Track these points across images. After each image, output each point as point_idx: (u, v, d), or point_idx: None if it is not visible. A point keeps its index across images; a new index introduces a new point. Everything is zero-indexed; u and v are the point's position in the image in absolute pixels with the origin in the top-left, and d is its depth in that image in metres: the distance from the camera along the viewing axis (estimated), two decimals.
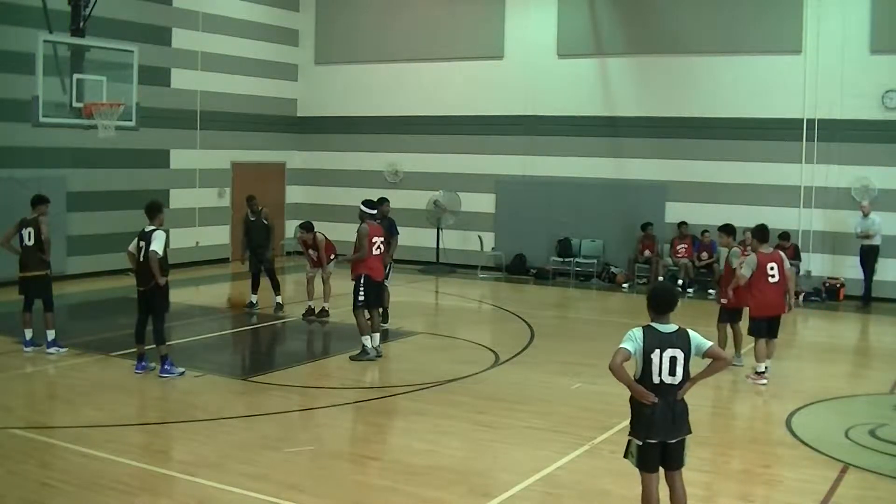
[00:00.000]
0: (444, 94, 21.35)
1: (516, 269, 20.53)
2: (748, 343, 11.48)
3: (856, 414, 9.82)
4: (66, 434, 8.47)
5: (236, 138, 21.41)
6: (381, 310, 12.61)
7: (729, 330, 11.72)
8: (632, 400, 5.93)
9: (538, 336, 13.60)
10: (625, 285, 18.92)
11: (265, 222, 15.20)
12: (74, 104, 15.32)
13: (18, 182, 15.82)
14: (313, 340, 13.93)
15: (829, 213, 17.93)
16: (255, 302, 15.29)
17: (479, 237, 20.97)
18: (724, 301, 11.50)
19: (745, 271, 10.85)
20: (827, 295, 17.46)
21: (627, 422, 6.06)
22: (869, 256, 16.94)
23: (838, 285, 17.52)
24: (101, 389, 10.10)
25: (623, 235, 19.59)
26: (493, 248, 20.99)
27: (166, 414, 9.38)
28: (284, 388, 10.39)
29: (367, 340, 11.72)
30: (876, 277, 17.04)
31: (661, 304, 5.90)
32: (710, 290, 17.73)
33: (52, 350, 11.65)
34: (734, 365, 11.38)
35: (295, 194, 23.31)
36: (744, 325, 11.48)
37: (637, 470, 6.00)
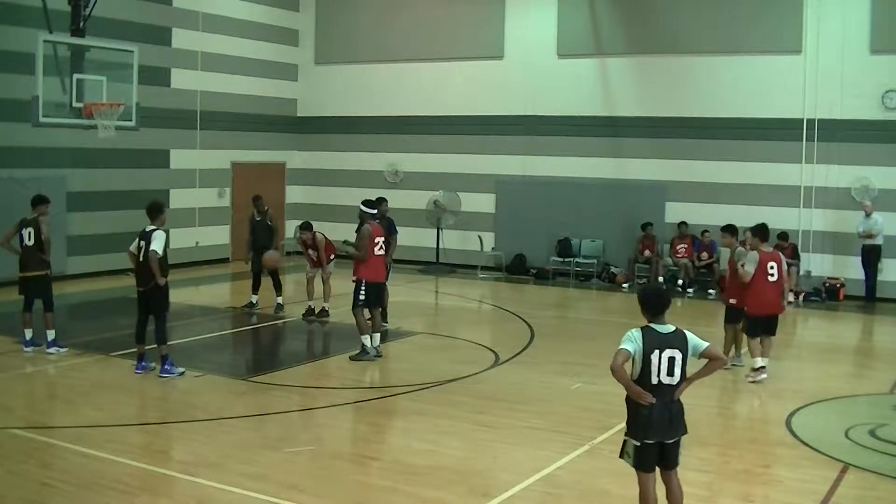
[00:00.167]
0: (444, 94, 21.35)
1: (516, 269, 20.53)
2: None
3: (856, 414, 9.82)
4: (66, 434, 8.47)
5: (236, 138, 21.41)
6: (380, 310, 12.62)
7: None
8: (628, 400, 5.95)
9: (538, 336, 13.60)
10: (625, 285, 18.92)
11: (269, 223, 15.22)
12: (74, 104, 15.32)
13: (18, 182, 15.82)
14: (313, 340, 13.93)
15: (829, 213, 17.93)
16: (255, 302, 15.29)
17: (479, 237, 20.97)
18: (732, 301, 11.41)
19: (748, 267, 10.85)
20: (827, 295, 17.46)
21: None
22: (871, 256, 16.95)
23: (838, 285, 17.52)
24: (101, 389, 10.10)
25: (623, 235, 19.59)
26: (493, 248, 20.99)
27: (166, 414, 9.38)
28: (284, 388, 10.39)
29: (366, 340, 11.71)
30: (879, 278, 17.04)
31: (655, 305, 5.92)
32: (710, 290, 17.74)
33: (52, 350, 11.64)
34: (735, 365, 11.40)
35: (295, 194, 23.31)
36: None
37: (634, 470, 6.02)
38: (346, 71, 22.65)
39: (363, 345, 11.72)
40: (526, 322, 14.70)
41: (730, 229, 11.90)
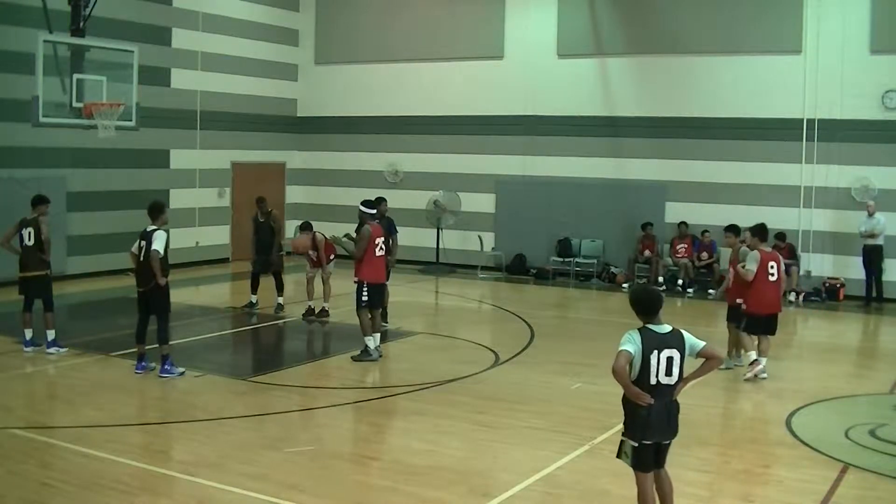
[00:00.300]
0: (444, 94, 21.35)
1: (516, 269, 20.52)
2: None
3: (856, 414, 9.82)
4: (66, 434, 8.47)
5: (236, 138, 21.41)
6: (381, 310, 12.61)
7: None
8: (625, 401, 5.95)
9: (538, 336, 13.60)
10: (625, 285, 18.90)
11: (272, 225, 15.25)
12: (74, 104, 15.31)
13: (18, 182, 15.82)
14: (313, 340, 13.93)
15: (829, 213, 17.93)
16: (255, 301, 15.31)
17: (479, 237, 20.97)
18: (739, 301, 11.31)
19: (750, 266, 10.84)
20: (827, 295, 17.46)
21: None
22: (872, 256, 16.93)
23: (838, 285, 17.52)
24: (101, 389, 10.10)
25: (623, 235, 19.59)
26: (493, 248, 20.99)
27: (166, 414, 9.38)
28: (285, 388, 10.39)
29: (370, 341, 11.70)
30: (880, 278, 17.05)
31: (647, 307, 5.93)
32: (710, 290, 17.73)
33: (52, 350, 11.64)
34: (737, 365, 11.39)
35: (295, 194, 23.31)
36: None
37: (632, 470, 6.02)
38: (346, 71, 22.65)
39: (366, 346, 11.71)
40: (526, 322, 14.70)
41: (732, 229, 11.92)
